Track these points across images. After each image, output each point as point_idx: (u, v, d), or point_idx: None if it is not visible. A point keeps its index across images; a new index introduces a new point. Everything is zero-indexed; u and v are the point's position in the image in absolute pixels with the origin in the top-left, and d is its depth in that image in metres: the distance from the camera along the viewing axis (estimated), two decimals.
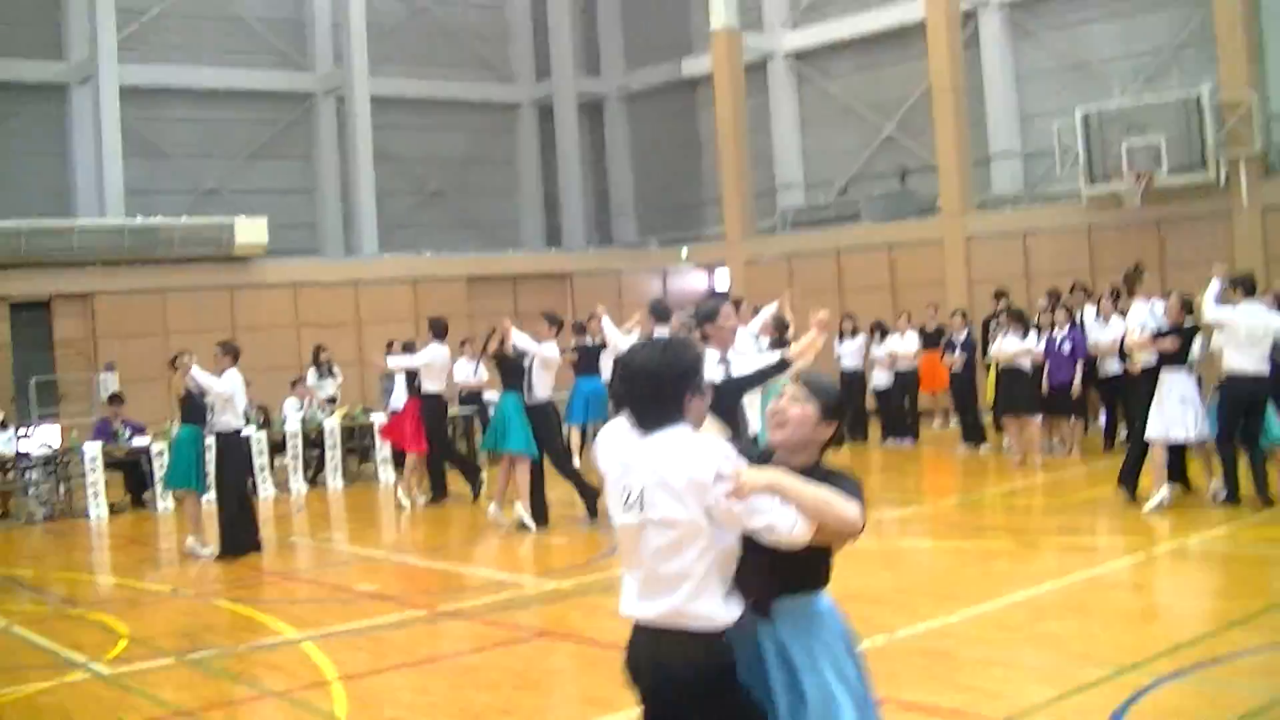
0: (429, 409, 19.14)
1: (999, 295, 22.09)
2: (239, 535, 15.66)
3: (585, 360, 21.53)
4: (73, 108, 30.65)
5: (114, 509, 20.78)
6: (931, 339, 23.78)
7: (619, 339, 17.38)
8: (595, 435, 21.35)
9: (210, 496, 16.42)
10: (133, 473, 21.71)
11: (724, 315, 10.32)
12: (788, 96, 33.62)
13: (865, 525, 4.69)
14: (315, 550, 16.78)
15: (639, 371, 4.84)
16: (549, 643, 10.39)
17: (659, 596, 4.73)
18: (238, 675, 9.95)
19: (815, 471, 4.84)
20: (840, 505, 4.61)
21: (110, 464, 21.19)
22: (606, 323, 17.96)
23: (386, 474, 22.69)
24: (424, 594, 12.77)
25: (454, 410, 24.85)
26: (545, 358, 16.35)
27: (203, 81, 31.99)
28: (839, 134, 32.87)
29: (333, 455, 22.59)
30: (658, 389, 4.77)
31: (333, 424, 22.61)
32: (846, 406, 4.83)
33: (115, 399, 22.45)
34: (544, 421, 16.43)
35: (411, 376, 19.40)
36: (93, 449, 20.73)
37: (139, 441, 21.47)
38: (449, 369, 19.73)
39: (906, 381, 23.71)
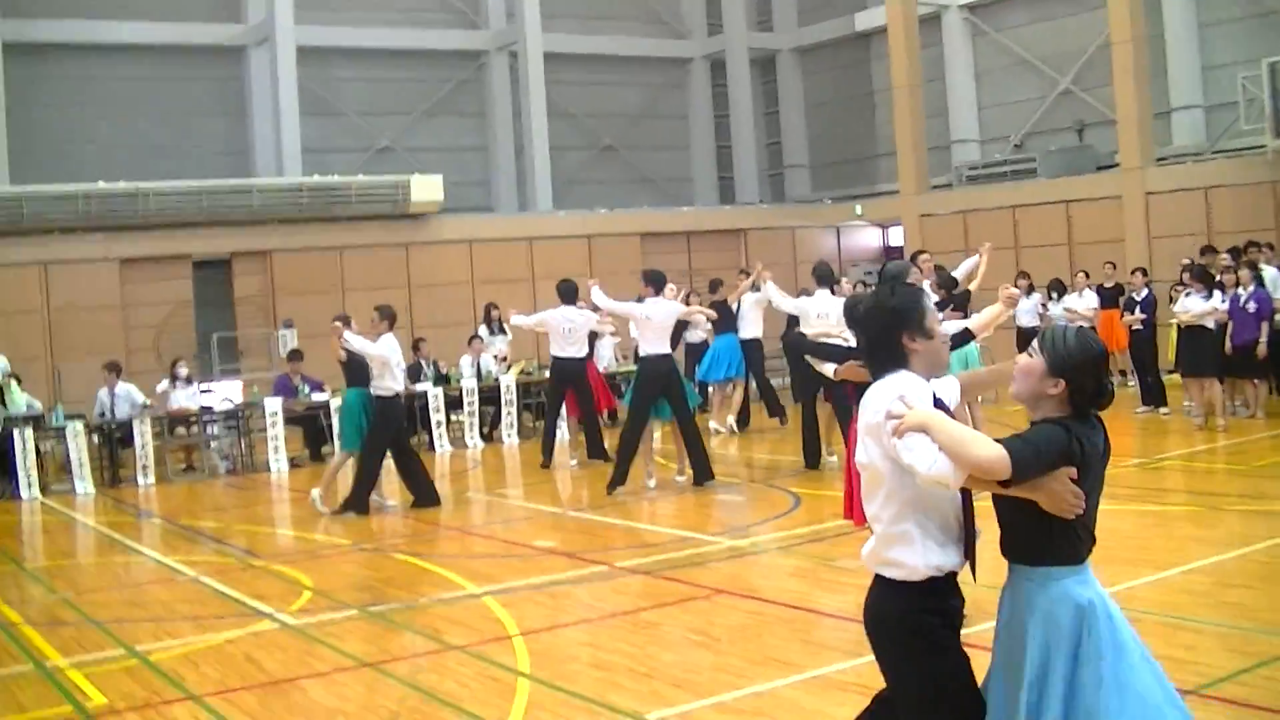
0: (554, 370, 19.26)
1: (1206, 251, 21.57)
2: (364, 495, 15.83)
3: (722, 317, 21.28)
4: (250, 69, 30.97)
5: (294, 463, 21.09)
6: (1110, 297, 23.20)
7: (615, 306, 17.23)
8: (734, 392, 21.39)
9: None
10: (311, 427, 22.01)
11: (912, 278, 9.38)
12: (962, 49, 32.99)
13: (1015, 472, 4.33)
14: (492, 506, 16.83)
15: (859, 320, 4.93)
16: (728, 601, 10.23)
17: (870, 541, 4.79)
18: (420, 628, 9.94)
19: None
20: (975, 446, 4.36)
21: (290, 419, 21.48)
22: (596, 293, 17.43)
23: (562, 430, 22.64)
24: (602, 550, 12.71)
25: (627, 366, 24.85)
26: (376, 357, 15.66)
27: (377, 41, 32.14)
28: (1015, 87, 32.20)
29: (509, 411, 22.64)
30: (873, 334, 4.82)
31: (509, 380, 22.65)
32: (1089, 367, 4.55)
33: (295, 355, 22.71)
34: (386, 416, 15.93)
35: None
36: (273, 404, 21.03)
37: (318, 397, 21.76)
38: (580, 332, 18.92)
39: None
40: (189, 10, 30.12)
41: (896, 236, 33.11)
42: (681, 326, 17.34)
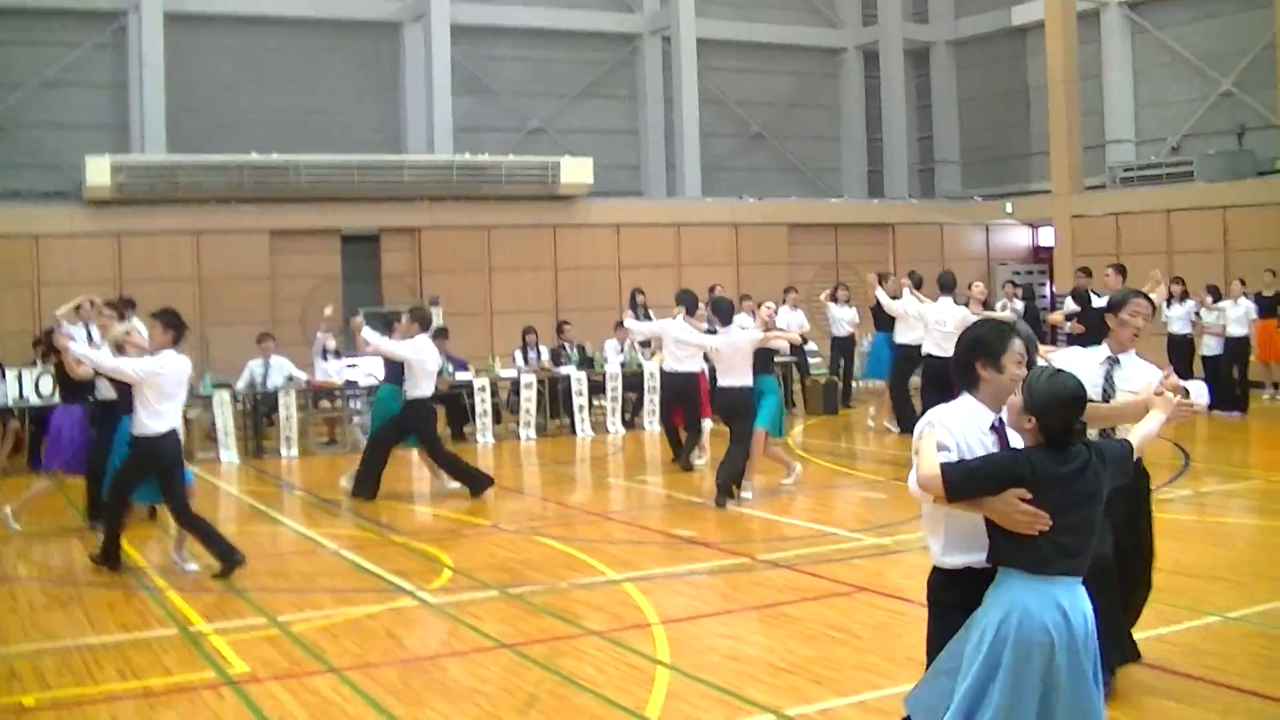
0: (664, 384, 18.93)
1: None
2: (370, 481, 15.80)
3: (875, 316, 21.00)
4: (405, 46, 31.11)
5: None
6: (1269, 306, 22.66)
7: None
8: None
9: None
10: (454, 406, 22.00)
11: (1132, 309, 7.90)
12: (1120, 47, 32.32)
13: (947, 491, 5.10)
14: (631, 492, 16.77)
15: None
16: (869, 598, 10.13)
17: None
18: (559, 612, 9.89)
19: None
20: (921, 466, 5.22)
21: (433, 397, 21.47)
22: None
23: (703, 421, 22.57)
24: (743, 541, 12.63)
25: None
26: (399, 358, 15.35)
27: (531, 20, 32.15)
28: (1173, 87, 31.49)
29: (651, 399, 22.52)
30: (958, 356, 5.55)
31: (652, 367, 22.53)
32: (1056, 408, 5.22)
33: (440, 333, 22.72)
34: (416, 418, 15.80)
35: None
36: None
37: (462, 375, 21.76)
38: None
39: (1237, 350, 22.61)
40: None
41: (1047, 237, 32.61)
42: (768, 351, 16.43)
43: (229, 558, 11.26)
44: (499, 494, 16.15)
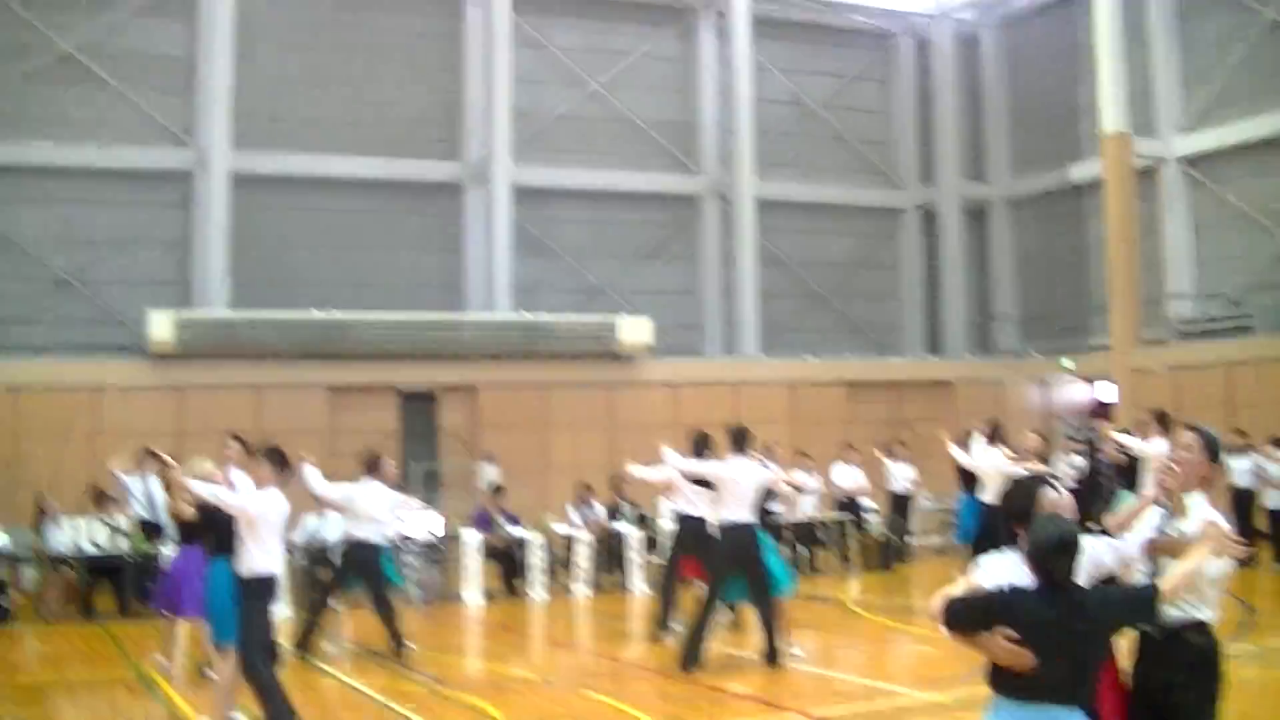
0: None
1: None
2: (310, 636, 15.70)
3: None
4: (467, 206, 31.48)
5: (488, 596, 21.02)
6: None
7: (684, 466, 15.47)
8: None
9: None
10: (507, 561, 21.96)
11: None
12: (1179, 202, 32.31)
13: (946, 624, 5.66)
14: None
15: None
16: None
17: None
18: None
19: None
20: (935, 599, 5.73)
21: (487, 553, 21.48)
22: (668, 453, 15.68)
23: None
24: (795, 697, 12.48)
25: (830, 514, 24.73)
26: (244, 513, 10.88)
27: (592, 182, 32.54)
28: (1233, 242, 31.39)
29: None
30: (1000, 518, 6.27)
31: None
32: (1041, 549, 5.68)
33: (498, 490, 22.82)
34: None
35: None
36: (473, 537, 21.07)
37: (515, 531, 21.74)
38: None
39: (1242, 502, 22.33)
40: (410, 148, 30.76)
41: (1106, 392, 32.42)
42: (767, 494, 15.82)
43: None
44: (550, 648, 16.04)
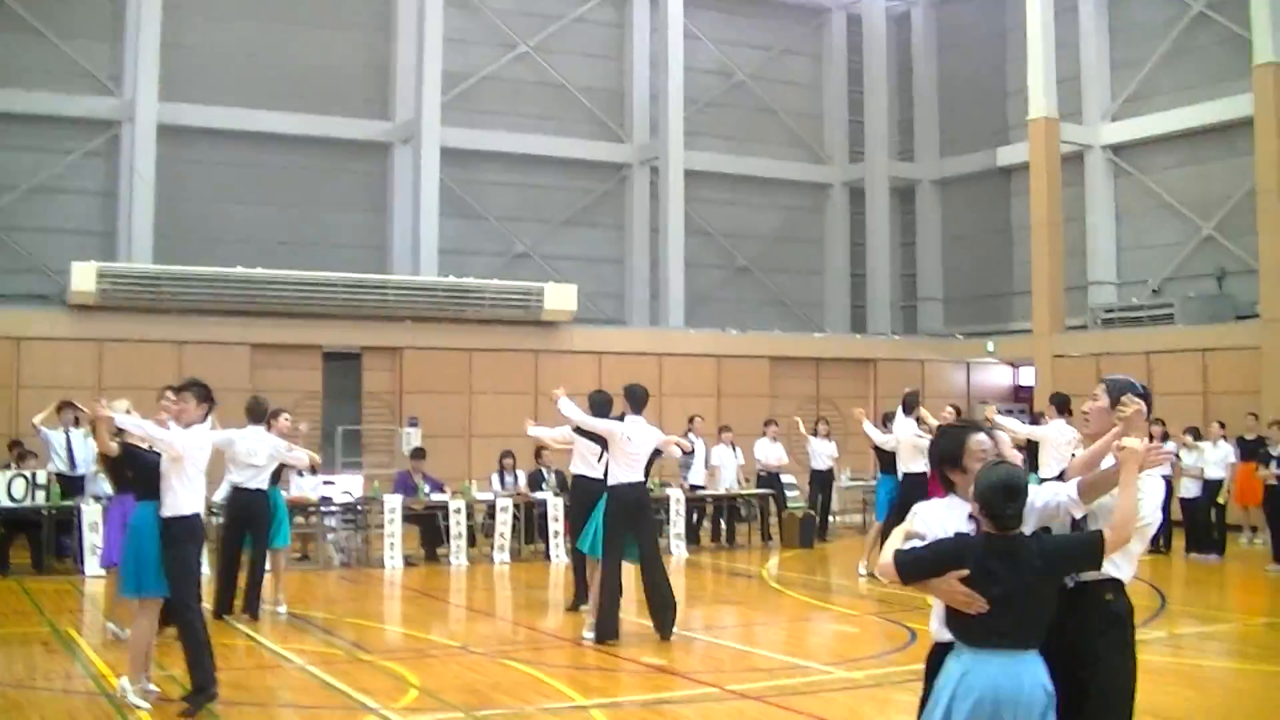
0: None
1: None
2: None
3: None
4: (395, 166, 31.33)
5: (408, 561, 20.98)
6: (1252, 449, 22.63)
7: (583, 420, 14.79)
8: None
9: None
10: (429, 526, 21.91)
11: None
12: (1103, 189, 32.59)
13: (900, 574, 5.87)
14: None
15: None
16: None
17: None
18: None
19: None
20: (884, 552, 6.02)
21: (408, 517, 21.41)
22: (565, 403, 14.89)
23: (679, 548, 22.60)
24: (712, 671, 12.49)
25: (752, 489, 24.86)
26: (171, 449, 10.54)
27: (521, 147, 32.43)
28: (1155, 230, 31.73)
29: None
30: (934, 465, 6.41)
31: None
32: (987, 494, 5.80)
33: (418, 453, 22.71)
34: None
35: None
36: (393, 501, 21.01)
37: (437, 497, 21.69)
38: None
39: (1215, 492, 22.59)
40: (338, 105, 30.58)
41: (1028, 376, 32.71)
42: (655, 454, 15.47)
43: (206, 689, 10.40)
44: (470, 616, 16.05)
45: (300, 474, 21.28)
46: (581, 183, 33.64)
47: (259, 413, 15.70)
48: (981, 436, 6.27)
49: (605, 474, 14.54)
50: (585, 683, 11.80)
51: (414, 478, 22.08)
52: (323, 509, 21.39)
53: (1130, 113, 31.92)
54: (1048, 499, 6.22)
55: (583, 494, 15.34)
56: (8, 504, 18.97)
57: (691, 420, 24.82)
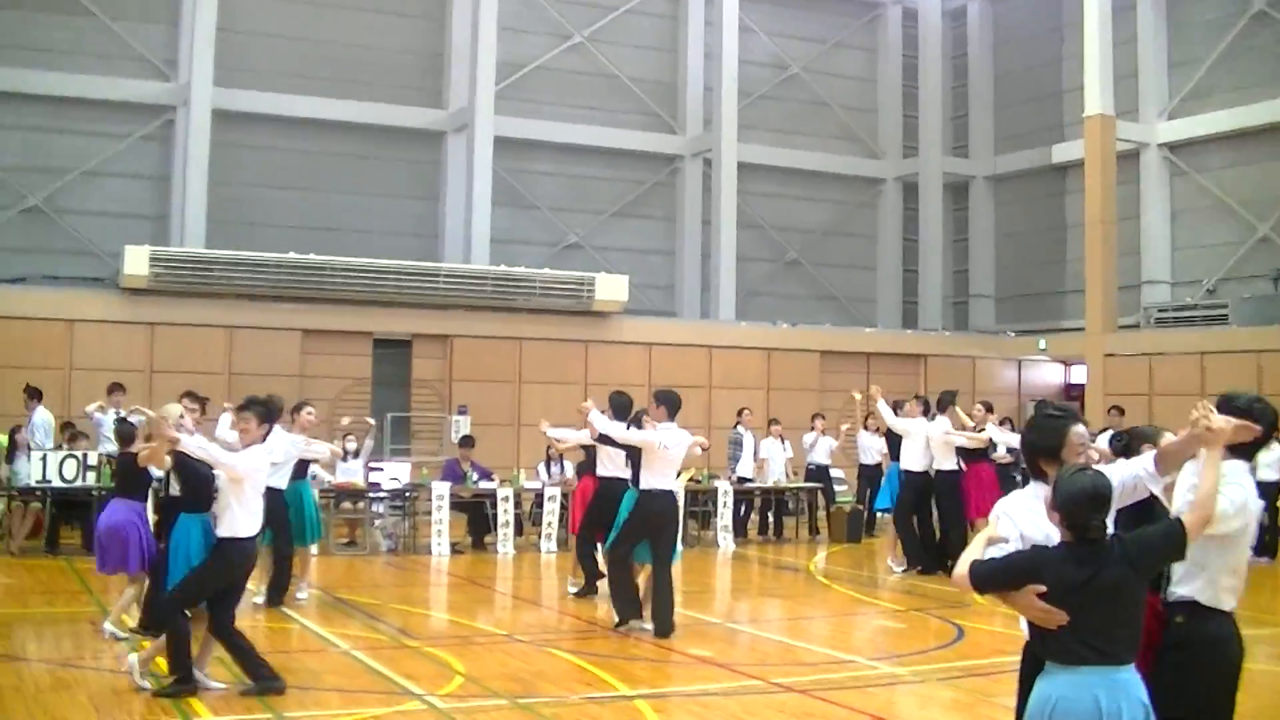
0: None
1: None
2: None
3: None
4: (448, 155, 31.36)
5: (455, 549, 21.00)
6: None
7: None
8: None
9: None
10: (476, 514, 21.92)
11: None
12: (1159, 188, 32.37)
13: (974, 585, 5.56)
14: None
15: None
16: None
17: None
18: None
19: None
20: (961, 562, 5.66)
21: (455, 504, 21.43)
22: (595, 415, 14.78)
23: (726, 541, 22.58)
24: (758, 664, 12.47)
25: (800, 483, 24.77)
26: (233, 473, 10.46)
27: (574, 137, 32.42)
28: (1210, 230, 31.51)
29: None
30: (1024, 453, 6.27)
31: (678, 486, 22.34)
32: (1072, 503, 5.46)
33: (466, 441, 22.74)
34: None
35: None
36: (440, 488, 21.02)
37: (485, 485, 21.69)
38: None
39: (1268, 495, 22.33)
40: (391, 92, 30.66)
41: (1079, 374, 32.51)
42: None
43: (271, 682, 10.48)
44: (516, 604, 16.05)
45: (345, 459, 21.37)
46: (633, 174, 33.62)
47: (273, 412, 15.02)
48: (1081, 429, 6.01)
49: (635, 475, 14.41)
50: (630, 673, 11.77)
51: (462, 465, 22.11)
52: (371, 495, 21.43)
53: (1187, 111, 31.68)
54: (1124, 476, 6.03)
55: (611, 496, 15.27)
56: (59, 485, 19.06)
57: (740, 413, 24.81)
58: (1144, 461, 6.08)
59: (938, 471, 19.46)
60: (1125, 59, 31.67)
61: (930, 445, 19.45)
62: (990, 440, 20.62)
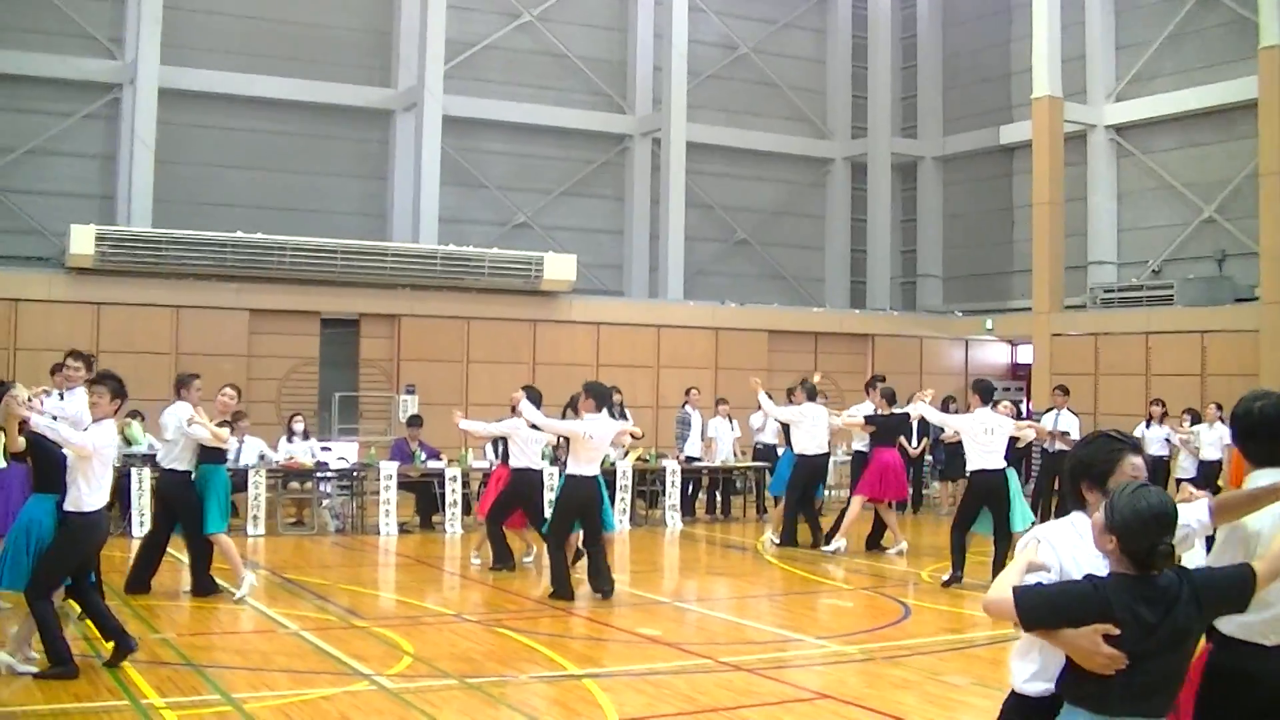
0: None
1: None
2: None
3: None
4: (396, 134, 31.26)
5: (403, 528, 21.01)
6: None
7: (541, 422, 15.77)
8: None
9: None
10: (424, 494, 21.94)
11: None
12: (1106, 170, 32.53)
13: (1021, 619, 4.70)
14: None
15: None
16: (831, 706, 9.96)
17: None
18: (518, 705, 9.81)
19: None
20: (996, 587, 4.82)
21: (403, 484, 21.44)
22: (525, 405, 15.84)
23: (674, 520, 22.64)
24: (706, 643, 12.54)
25: (747, 462, 24.82)
26: (83, 450, 10.47)
27: (523, 116, 32.35)
28: (1156, 211, 31.68)
29: (622, 498, 22.39)
30: (1066, 475, 5.26)
31: (625, 466, 22.46)
32: (1137, 526, 4.69)
33: (414, 421, 22.71)
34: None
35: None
36: (389, 468, 21.01)
37: (433, 464, 21.69)
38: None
39: (1211, 473, 22.62)
40: (339, 71, 30.51)
41: (1026, 354, 32.70)
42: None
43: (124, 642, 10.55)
44: (464, 584, 16.10)
45: (290, 439, 21.36)
46: (582, 153, 33.57)
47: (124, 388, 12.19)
48: (1139, 460, 5.11)
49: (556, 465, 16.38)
50: (578, 652, 11.83)
51: (410, 445, 22.09)
52: (318, 475, 21.39)
53: (1134, 93, 31.84)
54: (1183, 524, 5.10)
55: (525, 485, 16.81)
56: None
57: (688, 392, 24.89)
58: (1196, 511, 5.33)
59: (855, 451, 20.70)
60: (1073, 41, 31.80)
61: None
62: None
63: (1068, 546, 4.93)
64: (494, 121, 32.11)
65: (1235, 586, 4.84)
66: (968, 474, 16.76)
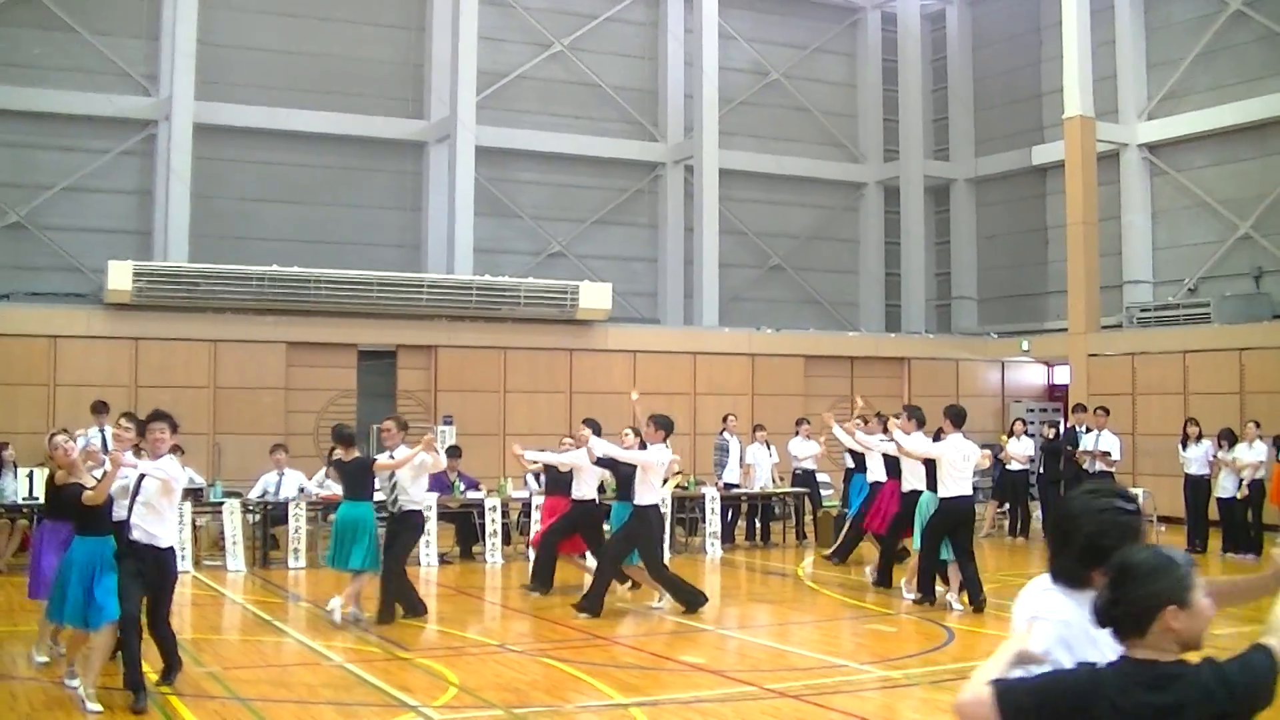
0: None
1: None
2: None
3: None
4: (429, 165, 31.37)
5: (444, 559, 21.02)
6: None
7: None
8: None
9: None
10: (464, 525, 21.94)
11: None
12: (1139, 188, 32.41)
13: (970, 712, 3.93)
14: (641, 618, 16.55)
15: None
16: None
17: None
18: None
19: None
20: (972, 680, 4.05)
21: (443, 515, 21.45)
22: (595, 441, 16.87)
23: (714, 547, 22.58)
24: (750, 670, 12.51)
25: (786, 488, 24.77)
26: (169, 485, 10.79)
27: (556, 146, 32.45)
28: (1191, 229, 31.56)
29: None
30: (1075, 547, 4.42)
31: (665, 494, 22.38)
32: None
33: (453, 451, 22.70)
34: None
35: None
36: (428, 499, 20.95)
37: (473, 495, 21.70)
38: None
39: (1253, 492, 22.47)
40: (373, 104, 30.66)
41: (1062, 375, 32.58)
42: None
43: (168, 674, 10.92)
44: (506, 614, 16.10)
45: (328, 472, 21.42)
46: (615, 182, 33.63)
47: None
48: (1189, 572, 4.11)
49: (618, 494, 17.00)
50: (624, 681, 11.80)
51: (449, 476, 22.09)
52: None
53: (1166, 111, 31.75)
54: None
55: (588, 516, 17.52)
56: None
57: (726, 419, 24.88)
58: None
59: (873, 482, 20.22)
60: (1104, 60, 31.75)
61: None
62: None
63: (1061, 626, 4.27)
64: (527, 151, 32.20)
65: (1265, 676, 3.94)
66: (938, 499, 16.40)
